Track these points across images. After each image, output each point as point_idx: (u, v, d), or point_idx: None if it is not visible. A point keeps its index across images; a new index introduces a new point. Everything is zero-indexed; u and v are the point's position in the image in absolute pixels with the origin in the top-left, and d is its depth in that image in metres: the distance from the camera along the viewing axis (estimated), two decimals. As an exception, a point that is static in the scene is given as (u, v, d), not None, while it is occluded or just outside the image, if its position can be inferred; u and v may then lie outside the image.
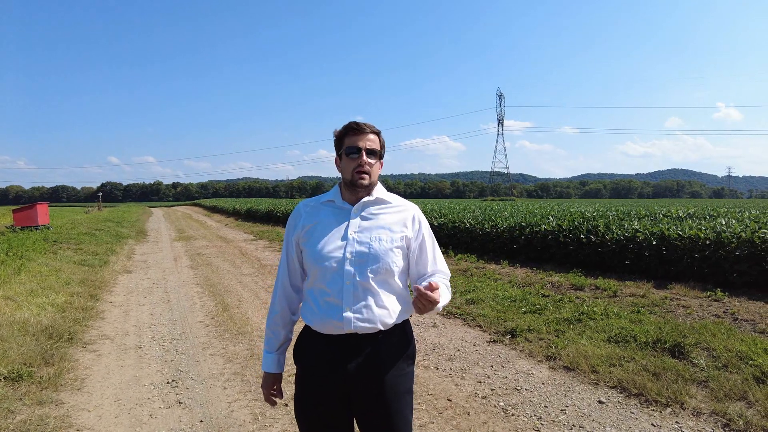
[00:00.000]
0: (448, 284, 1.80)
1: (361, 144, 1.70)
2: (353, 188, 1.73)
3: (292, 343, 1.86)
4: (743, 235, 6.67)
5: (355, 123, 1.72)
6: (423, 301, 1.54)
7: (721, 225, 7.72)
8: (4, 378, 3.78)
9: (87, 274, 8.63)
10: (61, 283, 7.55)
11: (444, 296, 1.70)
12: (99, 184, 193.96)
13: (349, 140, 1.71)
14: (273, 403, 1.90)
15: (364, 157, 1.69)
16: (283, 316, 1.84)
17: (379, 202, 1.78)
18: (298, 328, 1.80)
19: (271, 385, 1.86)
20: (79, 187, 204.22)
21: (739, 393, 3.41)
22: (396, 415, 1.69)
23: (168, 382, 4.00)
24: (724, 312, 5.46)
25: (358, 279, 1.65)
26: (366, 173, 1.70)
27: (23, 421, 3.20)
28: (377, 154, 1.73)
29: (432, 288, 1.54)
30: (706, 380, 3.65)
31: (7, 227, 16.45)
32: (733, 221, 8.48)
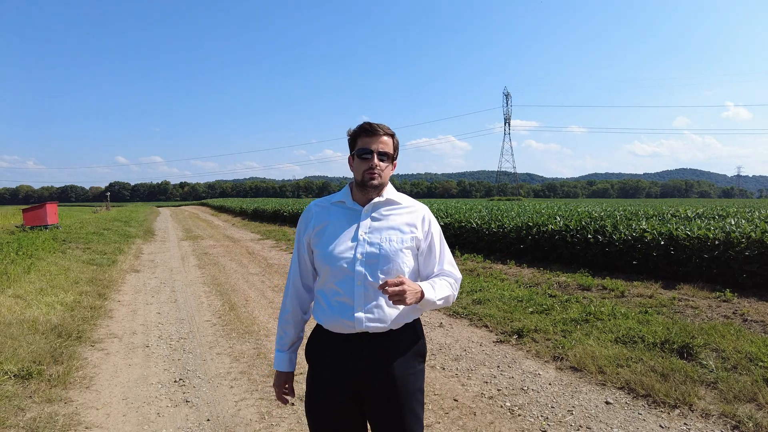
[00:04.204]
0: (452, 282, 1.80)
1: (374, 146, 1.70)
2: (364, 189, 1.74)
3: (304, 341, 1.87)
4: (753, 235, 6.60)
5: (369, 124, 1.72)
6: (394, 295, 1.54)
7: (731, 225, 7.65)
8: (14, 376, 3.82)
9: (95, 274, 8.70)
10: (69, 282, 7.62)
11: (440, 290, 1.72)
12: (107, 184, 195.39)
13: (362, 141, 1.72)
14: (285, 402, 1.91)
15: (376, 160, 1.69)
16: (294, 316, 1.85)
17: (389, 203, 1.78)
18: (310, 327, 1.81)
19: (282, 384, 1.87)
20: (87, 187, 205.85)
21: (748, 395, 3.38)
22: (407, 412, 1.70)
23: (175, 381, 4.02)
24: (733, 313, 5.41)
25: (369, 279, 1.66)
26: (376, 175, 1.70)
27: (33, 419, 3.24)
28: (389, 157, 1.73)
29: (388, 284, 1.54)
30: (715, 381, 3.62)
31: (17, 227, 16.61)
32: (743, 221, 8.40)
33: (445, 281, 1.78)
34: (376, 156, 1.70)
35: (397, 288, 1.53)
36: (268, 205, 29.19)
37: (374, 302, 1.67)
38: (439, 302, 1.71)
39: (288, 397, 1.89)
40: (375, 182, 1.71)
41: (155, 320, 5.94)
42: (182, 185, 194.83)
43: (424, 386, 1.82)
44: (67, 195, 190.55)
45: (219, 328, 5.56)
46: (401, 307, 1.70)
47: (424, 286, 1.66)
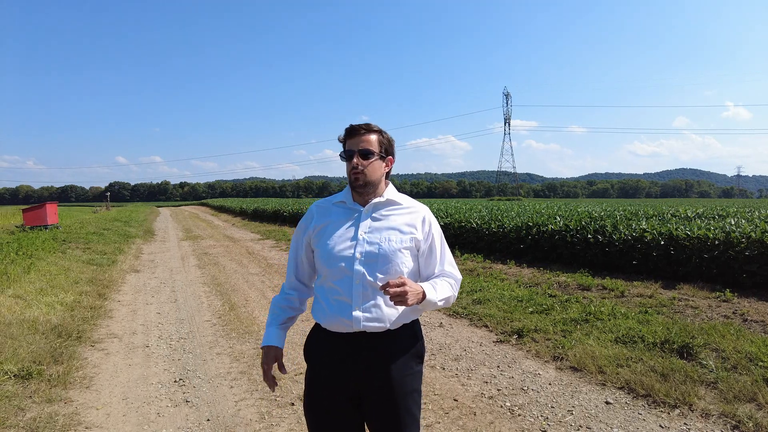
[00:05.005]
0: (452, 283, 1.80)
1: (354, 146, 1.73)
2: (354, 190, 1.77)
3: (303, 340, 1.88)
4: (753, 235, 6.60)
5: (351, 126, 1.75)
6: (396, 296, 1.54)
7: (731, 225, 7.65)
8: (14, 376, 3.82)
9: (95, 274, 8.70)
10: (69, 282, 7.62)
11: (441, 291, 1.72)
12: (107, 184, 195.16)
13: (346, 144, 1.76)
14: (272, 383, 1.81)
15: (355, 160, 1.72)
16: (289, 299, 1.87)
17: (390, 203, 1.80)
18: (309, 327, 1.81)
19: (271, 361, 1.80)
20: (87, 187, 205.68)
21: (748, 395, 3.38)
22: (404, 413, 1.71)
23: (175, 381, 4.02)
24: (733, 313, 5.41)
25: (367, 279, 1.67)
26: (360, 174, 1.72)
27: (33, 419, 3.24)
28: (374, 153, 1.74)
29: (389, 284, 1.54)
30: (715, 381, 3.62)
31: (17, 227, 16.61)
32: (743, 221, 8.40)
33: (446, 282, 1.78)
34: (357, 155, 1.72)
35: (398, 289, 1.53)
36: (268, 205, 29.19)
37: (372, 302, 1.67)
38: (440, 303, 1.71)
39: (278, 375, 1.84)
40: (359, 182, 1.73)
41: (155, 320, 5.94)
42: (182, 185, 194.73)
43: (424, 386, 1.83)
44: (67, 195, 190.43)
45: (219, 328, 5.56)
46: (400, 307, 1.70)
47: (426, 286, 1.66)
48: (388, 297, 1.56)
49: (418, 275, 1.81)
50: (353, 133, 1.74)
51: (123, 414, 3.43)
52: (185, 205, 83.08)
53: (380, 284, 1.60)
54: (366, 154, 1.72)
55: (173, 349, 4.83)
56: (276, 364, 1.81)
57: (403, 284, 1.54)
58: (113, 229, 18.32)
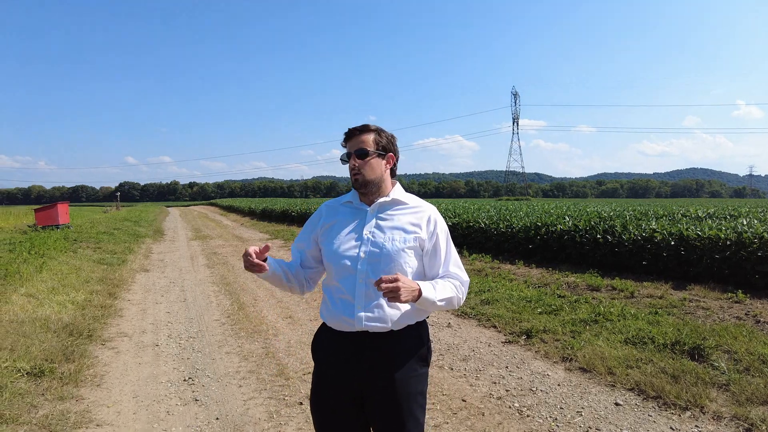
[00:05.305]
0: (457, 284, 1.78)
1: (349, 149, 1.77)
2: (356, 190, 1.80)
3: (310, 339, 1.90)
4: (766, 235, 6.51)
5: (348, 129, 1.79)
6: (388, 292, 1.53)
7: (743, 225, 7.55)
8: (27, 373, 3.87)
9: (106, 273, 8.78)
10: (80, 281, 7.70)
11: (441, 291, 1.69)
12: (117, 184, 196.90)
13: (346, 147, 1.80)
14: (247, 259, 1.67)
15: (352, 161, 1.75)
16: (290, 263, 1.87)
17: (396, 203, 1.81)
18: (316, 327, 1.82)
19: (258, 251, 1.70)
20: (98, 187, 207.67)
21: (761, 397, 3.34)
22: (407, 414, 1.70)
23: (185, 380, 4.05)
24: (745, 314, 5.34)
25: (371, 278, 1.67)
26: (358, 174, 1.75)
27: (45, 416, 3.28)
28: (369, 152, 1.76)
29: (382, 280, 1.53)
30: (727, 384, 3.58)
31: (29, 226, 16.81)
32: (755, 221, 8.28)
33: (450, 283, 1.76)
34: (353, 156, 1.75)
35: (391, 285, 1.53)
36: (276, 205, 29.29)
37: (375, 301, 1.68)
38: (440, 303, 1.69)
39: (256, 260, 1.67)
40: (358, 181, 1.76)
41: (165, 319, 5.99)
42: (191, 185, 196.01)
43: (432, 387, 1.82)
44: (78, 195, 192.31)
45: (228, 327, 5.59)
46: (403, 307, 1.70)
47: (424, 285, 1.65)
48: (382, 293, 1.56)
49: (424, 276, 1.81)
50: (350, 135, 1.77)
51: (133, 412, 3.47)
52: (194, 205, 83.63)
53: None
54: (362, 154, 1.75)
55: (183, 348, 4.87)
56: (261, 251, 1.70)
57: (396, 280, 1.54)
58: (123, 228, 18.48)
